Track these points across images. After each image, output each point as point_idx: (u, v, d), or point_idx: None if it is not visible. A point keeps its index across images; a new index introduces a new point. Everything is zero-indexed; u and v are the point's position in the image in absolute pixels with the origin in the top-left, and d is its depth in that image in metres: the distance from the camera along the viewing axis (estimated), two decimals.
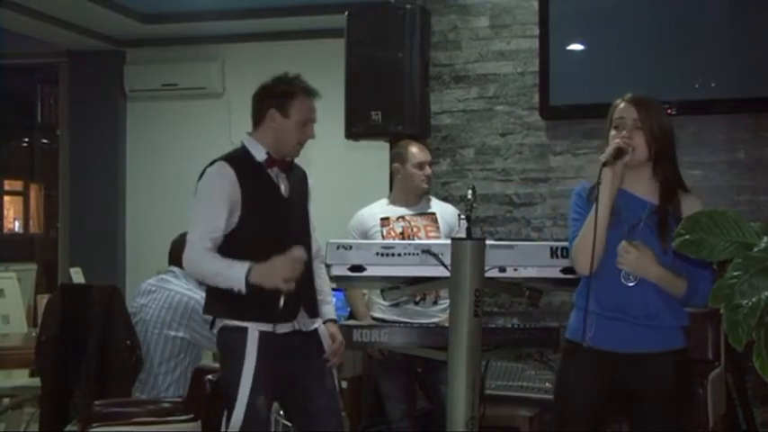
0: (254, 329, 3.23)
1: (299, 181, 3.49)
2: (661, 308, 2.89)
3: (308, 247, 3.39)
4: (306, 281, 3.34)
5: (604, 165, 2.88)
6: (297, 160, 3.51)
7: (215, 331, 3.38)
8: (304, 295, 3.35)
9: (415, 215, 4.42)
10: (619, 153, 2.90)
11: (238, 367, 3.19)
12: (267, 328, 3.25)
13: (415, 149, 4.49)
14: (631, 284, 2.89)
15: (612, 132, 2.97)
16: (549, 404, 3.01)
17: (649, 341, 2.89)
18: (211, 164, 3.38)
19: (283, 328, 3.30)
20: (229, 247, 3.25)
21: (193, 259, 3.26)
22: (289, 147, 3.38)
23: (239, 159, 3.36)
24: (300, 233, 3.41)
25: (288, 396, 3.40)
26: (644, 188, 2.97)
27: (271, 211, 3.34)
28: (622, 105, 2.99)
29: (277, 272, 3.15)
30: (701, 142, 5.22)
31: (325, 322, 3.48)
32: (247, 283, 3.14)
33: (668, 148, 2.96)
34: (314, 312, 3.41)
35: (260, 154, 3.37)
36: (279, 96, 3.41)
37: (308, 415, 3.36)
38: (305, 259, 3.25)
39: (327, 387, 3.38)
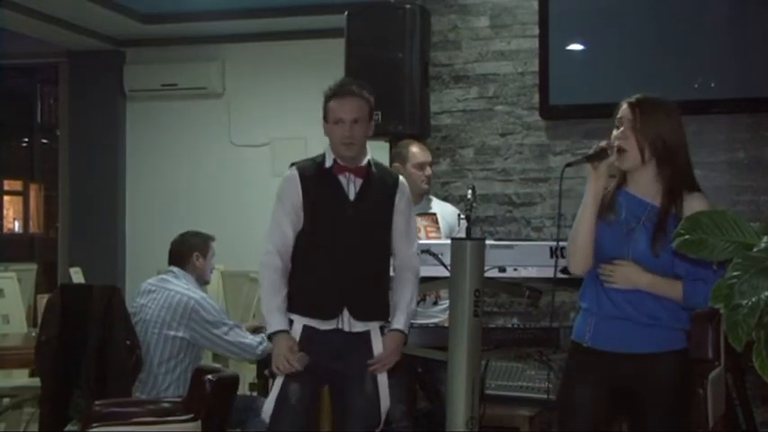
0: (298, 322, 3.37)
1: (383, 188, 3.47)
2: (659, 309, 2.89)
3: (377, 258, 3.42)
4: (358, 284, 3.38)
5: (588, 160, 2.90)
6: None
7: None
8: (352, 297, 3.37)
9: (415, 215, 4.42)
10: (602, 153, 2.90)
11: None
12: (310, 323, 3.36)
13: (415, 149, 4.49)
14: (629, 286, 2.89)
15: (614, 132, 2.97)
16: (551, 404, 3.01)
17: (648, 342, 2.89)
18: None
19: (326, 326, 3.36)
20: (296, 247, 3.41)
21: (260, 272, 3.43)
22: (338, 150, 3.41)
23: (311, 164, 3.47)
24: (363, 238, 3.41)
25: (331, 391, 3.56)
26: (646, 189, 2.96)
27: (328, 215, 3.39)
28: (624, 106, 2.99)
29: (276, 357, 3.33)
30: (701, 142, 5.21)
31: (390, 330, 3.45)
32: (268, 337, 3.42)
33: (672, 150, 2.94)
34: (362, 316, 3.39)
35: (329, 160, 3.45)
36: (324, 102, 3.49)
37: (342, 414, 3.46)
38: (303, 362, 3.31)
39: (366, 391, 3.40)
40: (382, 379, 3.42)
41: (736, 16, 5.14)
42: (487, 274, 3.27)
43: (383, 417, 3.43)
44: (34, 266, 7.93)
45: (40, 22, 7.37)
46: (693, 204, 2.83)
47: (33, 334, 4.92)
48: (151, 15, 7.74)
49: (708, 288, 2.65)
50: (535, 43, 5.36)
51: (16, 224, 11.31)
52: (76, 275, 6.85)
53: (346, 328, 3.37)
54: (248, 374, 5.46)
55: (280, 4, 7.38)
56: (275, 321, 3.34)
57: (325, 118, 3.45)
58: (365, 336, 3.40)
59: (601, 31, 5.32)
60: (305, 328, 3.38)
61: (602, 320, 2.91)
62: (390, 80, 5.01)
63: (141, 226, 8.26)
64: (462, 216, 3.25)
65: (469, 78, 5.59)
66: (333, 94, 3.44)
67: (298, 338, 3.35)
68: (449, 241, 3.27)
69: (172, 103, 8.19)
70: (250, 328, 4.59)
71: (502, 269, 3.41)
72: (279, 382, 3.38)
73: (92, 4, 7.14)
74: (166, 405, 3.82)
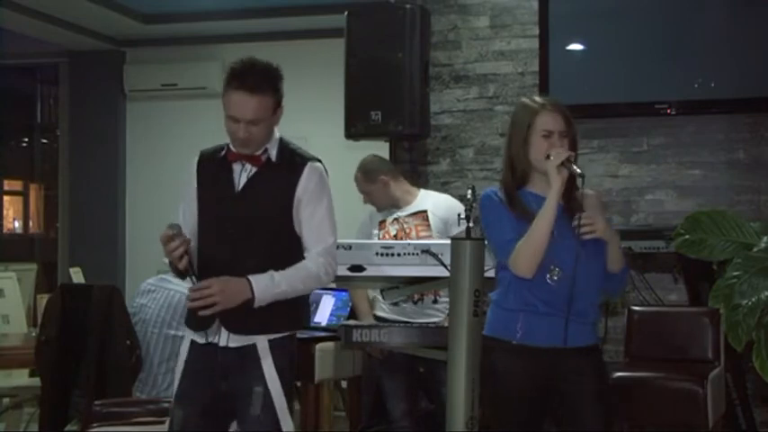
0: (186, 338, 3.04)
1: (282, 175, 3.05)
2: (585, 304, 2.95)
3: (257, 253, 2.97)
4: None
5: (564, 163, 2.93)
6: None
7: None
8: (225, 309, 2.90)
9: (407, 216, 4.42)
10: (569, 160, 2.96)
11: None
12: (194, 336, 3.00)
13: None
14: (553, 282, 2.93)
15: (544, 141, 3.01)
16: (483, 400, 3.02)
17: (576, 336, 2.93)
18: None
19: (202, 340, 2.97)
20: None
21: None
22: (232, 143, 3.04)
23: (215, 150, 3.13)
24: (248, 237, 2.98)
25: (218, 410, 3.01)
26: (542, 187, 3.02)
27: (211, 209, 3.03)
28: (558, 117, 3.04)
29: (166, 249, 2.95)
30: (700, 142, 5.22)
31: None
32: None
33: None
34: (237, 328, 2.94)
35: (227, 147, 3.08)
36: (224, 85, 3.06)
37: None
38: (172, 238, 2.91)
39: (252, 414, 2.93)
40: (278, 398, 2.94)
41: (736, 16, 5.14)
42: (487, 274, 3.27)
43: None
44: (34, 266, 7.92)
45: (40, 22, 7.37)
46: (593, 197, 3.05)
47: (33, 334, 4.92)
48: (151, 15, 7.74)
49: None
50: (535, 43, 5.36)
51: (16, 224, 11.31)
52: (76, 275, 6.84)
53: (222, 343, 2.94)
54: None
55: (280, 4, 7.38)
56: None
57: (224, 104, 3.01)
58: (248, 351, 2.94)
59: (601, 31, 5.32)
60: (191, 343, 3.01)
61: (531, 317, 2.94)
62: (390, 80, 5.02)
63: (141, 226, 8.25)
64: (462, 216, 3.24)
65: (469, 78, 5.59)
66: (228, 83, 3.00)
67: (185, 357, 3.01)
68: (448, 241, 3.26)
69: (172, 103, 8.19)
70: None
71: None
72: (174, 398, 3.05)
73: (92, 4, 7.13)
74: (166, 405, 3.81)
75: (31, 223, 11.23)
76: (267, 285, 2.92)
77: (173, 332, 4.28)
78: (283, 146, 3.14)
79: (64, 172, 8.54)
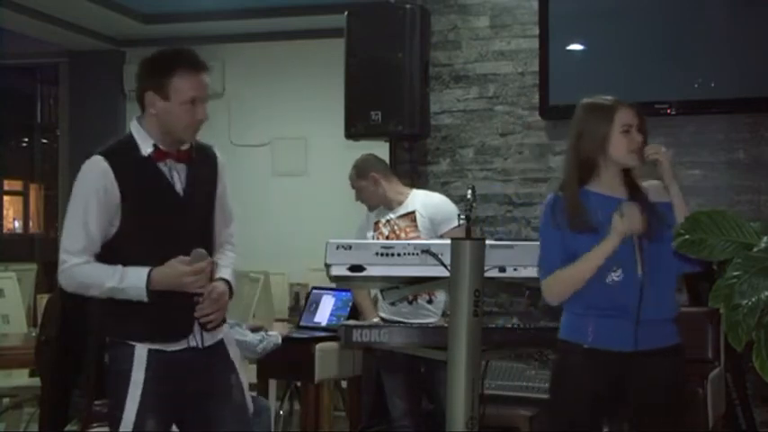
0: (141, 348, 2.83)
1: (205, 167, 2.97)
2: (657, 303, 2.89)
3: (210, 248, 2.93)
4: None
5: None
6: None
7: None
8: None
9: (397, 218, 4.43)
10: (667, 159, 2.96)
11: (124, 390, 2.80)
12: (155, 346, 2.84)
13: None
14: (614, 283, 2.89)
15: (631, 137, 2.97)
16: (545, 404, 3.01)
17: (648, 339, 2.89)
18: (88, 157, 2.84)
19: (175, 346, 2.86)
20: (108, 258, 2.82)
21: (73, 278, 2.85)
22: (181, 134, 2.88)
23: (122, 152, 2.85)
24: (200, 236, 2.93)
25: (189, 417, 2.93)
26: (609, 185, 2.98)
27: (158, 215, 2.86)
28: (631, 111, 3.00)
29: (181, 279, 2.80)
30: (700, 142, 5.22)
31: (216, 279, 2.95)
32: (149, 292, 2.78)
33: None
34: (213, 326, 2.93)
35: (146, 146, 2.85)
36: (155, 76, 2.89)
37: None
38: (207, 265, 2.86)
39: (235, 403, 2.95)
40: (245, 383, 3.01)
41: (736, 16, 5.14)
42: (487, 274, 3.26)
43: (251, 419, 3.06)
44: (34, 266, 7.93)
45: (40, 22, 7.38)
46: (655, 188, 2.97)
47: (33, 334, 4.92)
48: (151, 15, 7.75)
49: None
50: (535, 43, 5.36)
51: (16, 224, 11.32)
52: None
53: (200, 345, 2.90)
54: (248, 374, 5.46)
55: (280, 4, 7.38)
56: (132, 277, 2.76)
57: (162, 94, 2.86)
58: (220, 347, 2.95)
59: (601, 31, 5.32)
60: (150, 352, 2.83)
61: (601, 320, 2.91)
62: (390, 80, 5.02)
63: None
64: (462, 216, 3.24)
65: (469, 78, 5.59)
66: (176, 66, 2.86)
67: (144, 367, 2.81)
68: (449, 241, 3.26)
69: None
70: (250, 328, 4.60)
71: (502, 269, 3.39)
72: (130, 417, 2.79)
73: (92, 4, 7.14)
74: None
75: (31, 223, 11.24)
76: (232, 279, 2.99)
77: None
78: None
79: (64, 172, 8.55)
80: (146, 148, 2.85)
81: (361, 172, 4.49)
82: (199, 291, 2.85)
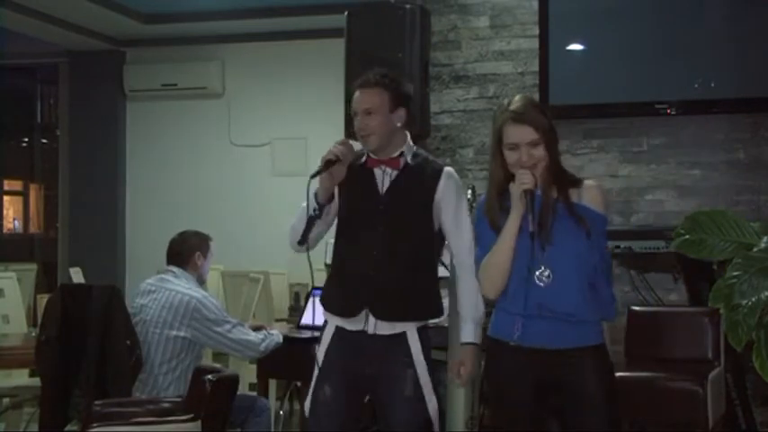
0: (331, 323, 3.28)
1: (421, 179, 3.28)
2: (578, 304, 2.88)
3: (403, 249, 3.23)
4: (386, 283, 3.20)
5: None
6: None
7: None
8: (375, 297, 3.20)
9: None
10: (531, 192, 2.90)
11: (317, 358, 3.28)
12: (340, 322, 3.25)
13: None
14: (543, 284, 2.89)
15: (524, 152, 2.94)
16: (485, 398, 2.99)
17: (569, 338, 2.88)
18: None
19: (352, 326, 3.22)
20: (334, 244, 3.35)
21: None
22: (363, 142, 3.29)
23: (356, 158, 3.31)
24: (394, 234, 3.23)
25: (372, 397, 3.34)
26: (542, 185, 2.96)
27: (357, 210, 3.27)
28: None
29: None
30: (701, 142, 5.22)
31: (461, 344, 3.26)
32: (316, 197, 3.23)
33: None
34: (387, 316, 3.20)
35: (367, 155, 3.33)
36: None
37: (385, 423, 3.26)
38: (343, 149, 3.18)
39: (405, 395, 3.19)
40: (425, 380, 3.20)
41: (736, 16, 5.14)
42: None
43: (433, 417, 3.22)
44: (34, 266, 7.93)
45: (40, 22, 7.38)
46: (591, 190, 2.94)
47: (33, 334, 4.92)
48: (151, 15, 7.75)
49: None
50: (535, 43, 5.36)
51: (16, 224, 11.31)
52: (76, 275, 6.85)
53: (370, 330, 3.19)
54: (248, 374, 5.46)
55: (280, 4, 7.38)
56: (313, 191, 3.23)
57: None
58: (398, 338, 3.20)
59: (601, 31, 5.32)
60: (337, 329, 3.25)
61: (528, 319, 2.91)
62: None
63: (141, 226, 8.26)
64: None
65: (469, 78, 5.59)
66: (355, 88, 3.30)
67: (329, 340, 3.26)
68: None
69: (172, 103, 8.19)
70: (251, 328, 4.59)
71: None
72: (312, 384, 3.25)
73: (92, 4, 7.14)
74: (166, 405, 3.81)
75: (31, 223, 11.23)
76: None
77: (174, 332, 4.28)
78: (415, 151, 3.31)
79: (64, 172, 8.55)
80: (366, 156, 3.31)
81: None
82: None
